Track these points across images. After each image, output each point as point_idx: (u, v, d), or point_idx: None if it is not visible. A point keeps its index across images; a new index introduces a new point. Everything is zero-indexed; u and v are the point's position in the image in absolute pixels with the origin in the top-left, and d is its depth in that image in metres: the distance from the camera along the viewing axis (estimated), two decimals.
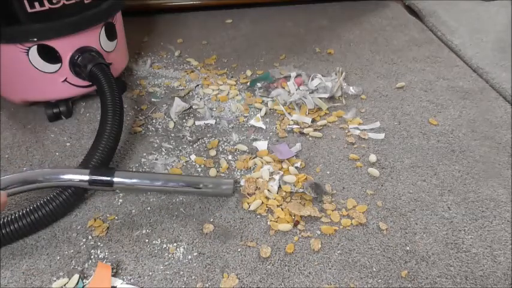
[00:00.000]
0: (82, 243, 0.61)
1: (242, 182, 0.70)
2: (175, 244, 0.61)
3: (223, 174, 0.73)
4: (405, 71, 1.02)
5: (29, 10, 0.68)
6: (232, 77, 0.99)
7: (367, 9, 1.32)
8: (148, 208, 0.67)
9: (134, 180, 0.62)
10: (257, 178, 0.71)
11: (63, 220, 0.64)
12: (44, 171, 0.60)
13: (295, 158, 0.76)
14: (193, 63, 1.03)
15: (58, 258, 0.59)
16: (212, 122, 0.84)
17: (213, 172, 0.73)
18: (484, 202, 0.68)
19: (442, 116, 0.87)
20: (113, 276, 0.56)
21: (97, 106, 0.87)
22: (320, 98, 0.89)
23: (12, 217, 0.58)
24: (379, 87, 0.96)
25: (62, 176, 0.59)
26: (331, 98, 0.91)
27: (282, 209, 0.66)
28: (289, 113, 0.86)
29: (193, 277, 0.57)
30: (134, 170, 0.73)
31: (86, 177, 0.60)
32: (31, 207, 0.59)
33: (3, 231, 0.57)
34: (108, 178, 0.60)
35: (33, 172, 0.59)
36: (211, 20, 1.25)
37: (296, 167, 0.73)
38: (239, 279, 0.57)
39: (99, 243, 0.61)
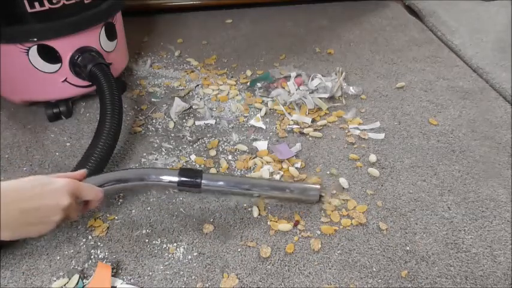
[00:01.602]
0: (82, 243, 0.61)
1: None
2: (175, 244, 0.61)
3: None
4: (405, 71, 1.02)
5: (29, 10, 0.68)
6: (232, 77, 0.99)
7: (367, 9, 1.32)
8: (148, 208, 0.67)
9: (220, 183, 0.62)
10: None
11: None
12: (138, 171, 0.62)
13: (295, 158, 0.76)
14: (193, 63, 1.03)
15: (58, 258, 0.59)
16: (212, 122, 0.84)
17: (213, 172, 0.73)
18: (484, 202, 0.68)
19: (442, 116, 0.87)
20: (113, 276, 0.56)
21: (97, 106, 0.87)
22: (320, 98, 0.89)
23: None
24: (379, 87, 0.96)
25: (153, 176, 0.59)
26: (331, 98, 0.91)
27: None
28: (289, 113, 0.86)
29: (193, 277, 0.57)
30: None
31: (176, 179, 0.59)
32: None
33: None
34: (197, 180, 0.60)
35: (127, 172, 0.62)
36: (211, 20, 1.25)
37: (296, 167, 0.73)
38: (239, 279, 0.57)
39: (99, 243, 0.61)
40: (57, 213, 0.46)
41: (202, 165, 0.74)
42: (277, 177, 0.71)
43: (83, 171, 0.54)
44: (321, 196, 0.67)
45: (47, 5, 0.70)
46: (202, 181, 0.60)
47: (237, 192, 0.64)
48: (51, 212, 0.45)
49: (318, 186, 0.66)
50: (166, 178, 0.59)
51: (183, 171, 0.60)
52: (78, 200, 0.49)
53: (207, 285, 0.56)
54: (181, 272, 0.58)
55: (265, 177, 0.71)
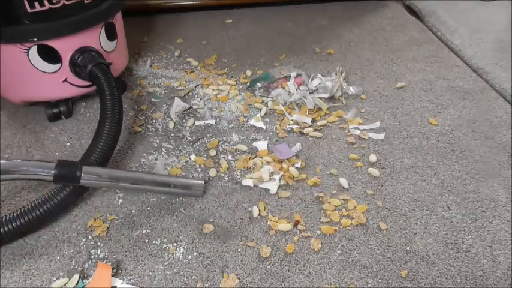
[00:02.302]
0: (82, 243, 0.61)
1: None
2: (175, 244, 0.61)
3: (223, 175, 0.73)
4: (405, 71, 1.02)
5: (29, 10, 0.68)
6: (232, 77, 0.99)
7: (367, 9, 1.32)
8: (148, 208, 0.67)
9: (101, 177, 0.60)
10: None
11: (63, 220, 0.64)
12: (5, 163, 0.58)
13: (295, 158, 0.76)
14: (193, 63, 1.03)
15: (58, 258, 0.59)
16: (212, 122, 0.85)
17: (213, 172, 0.73)
18: (484, 202, 0.68)
19: (442, 116, 0.87)
20: (113, 276, 0.56)
21: (97, 106, 0.87)
22: (320, 98, 0.89)
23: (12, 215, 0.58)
24: (379, 87, 0.96)
25: (24, 168, 0.56)
26: (331, 98, 0.91)
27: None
28: (289, 113, 0.86)
29: (193, 277, 0.57)
30: (134, 169, 0.73)
31: (51, 172, 0.57)
32: (29, 206, 0.59)
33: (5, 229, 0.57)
34: (76, 174, 0.58)
35: None
36: (211, 20, 1.25)
37: (296, 167, 0.73)
38: (239, 279, 0.57)
39: (99, 243, 0.61)
40: None
41: (202, 165, 0.74)
42: (277, 177, 0.71)
43: None
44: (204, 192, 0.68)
45: (47, 5, 0.70)
46: (82, 175, 0.58)
47: (119, 186, 0.62)
48: None
49: (201, 182, 0.67)
50: (39, 171, 0.57)
51: (60, 163, 0.57)
52: None
53: (207, 285, 0.56)
54: (181, 272, 0.58)
55: (153, 172, 0.71)
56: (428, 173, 0.74)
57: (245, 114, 0.87)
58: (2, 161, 0.56)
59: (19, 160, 0.58)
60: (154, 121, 0.85)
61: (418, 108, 0.89)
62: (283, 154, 0.75)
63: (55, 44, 0.74)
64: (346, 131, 0.83)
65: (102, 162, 0.66)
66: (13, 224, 0.58)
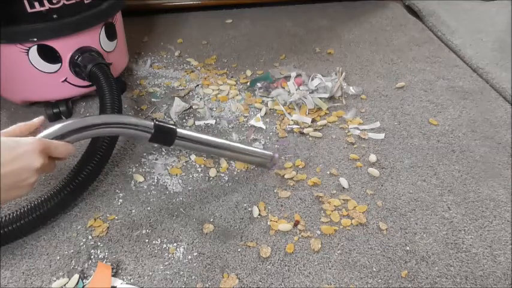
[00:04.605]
0: (82, 243, 0.61)
1: None
2: (175, 244, 0.61)
3: (223, 175, 0.73)
4: (405, 71, 1.02)
5: (29, 10, 0.68)
6: (232, 77, 0.99)
7: (367, 9, 1.32)
8: (148, 208, 0.67)
9: (193, 140, 0.62)
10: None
11: (63, 220, 0.64)
12: (100, 116, 0.60)
13: (295, 158, 0.76)
14: (193, 63, 1.03)
15: (58, 258, 0.59)
16: (212, 122, 0.84)
17: (213, 172, 0.73)
18: (484, 202, 0.68)
19: (442, 116, 0.87)
20: (113, 276, 0.56)
21: (97, 106, 0.87)
22: (320, 98, 0.89)
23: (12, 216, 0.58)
24: (379, 87, 0.96)
25: (123, 120, 0.55)
26: (331, 98, 0.91)
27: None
28: (289, 113, 0.86)
29: (193, 277, 0.57)
30: (134, 169, 0.73)
31: (151, 125, 0.57)
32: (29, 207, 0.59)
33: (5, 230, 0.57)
34: (173, 134, 0.59)
35: (92, 118, 0.56)
36: (211, 20, 1.25)
37: (296, 167, 0.73)
38: (239, 279, 0.57)
39: (99, 243, 0.61)
40: (31, 176, 0.45)
41: (202, 165, 0.74)
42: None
43: (41, 118, 0.52)
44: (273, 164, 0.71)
45: (47, 5, 0.70)
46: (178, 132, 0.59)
47: (203, 149, 0.65)
48: (25, 175, 0.44)
49: (270, 153, 0.70)
50: (140, 124, 0.56)
51: (158, 124, 0.58)
52: (49, 157, 0.48)
53: (207, 285, 0.56)
54: (181, 272, 0.58)
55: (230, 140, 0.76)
56: (428, 173, 0.74)
57: (245, 114, 0.87)
58: (102, 115, 0.57)
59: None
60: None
61: (418, 108, 0.89)
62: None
63: (55, 44, 0.74)
64: (346, 131, 0.83)
65: (102, 163, 0.66)
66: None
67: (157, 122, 0.57)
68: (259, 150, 0.71)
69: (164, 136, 0.59)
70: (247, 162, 0.73)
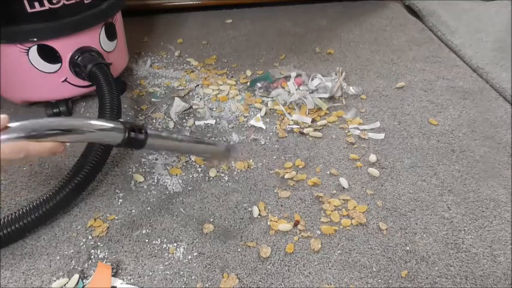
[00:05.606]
0: (82, 243, 0.61)
1: None
2: (175, 244, 0.61)
3: (223, 175, 0.73)
4: (405, 71, 1.02)
5: (29, 10, 0.68)
6: (232, 77, 0.99)
7: (367, 9, 1.32)
8: (148, 208, 0.67)
9: (165, 142, 0.55)
10: None
11: (63, 220, 0.64)
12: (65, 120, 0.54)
13: (295, 157, 0.76)
14: (193, 63, 1.03)
15: (58, 258, 0.59)
16: (212, 122, 0.84)
17: (213, 172, 0.73)
18: (484, 202, 0.68)
19: (442, 116, 0.87)
20: (113, 276, 0.56)
21: (97, 106, 0.87)
22: (320, 98, 0.89)
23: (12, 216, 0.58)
24: (379, 87, 0.96)
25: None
26: (331, 98, 0.91)
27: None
28: (289, 113, 0.86)
29: (193, 277, 0.57)
30: (134, 169, 0.73)
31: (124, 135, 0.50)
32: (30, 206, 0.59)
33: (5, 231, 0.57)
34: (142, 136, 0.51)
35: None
36: (211, 20, 1.25)
37: (296, 167, 0.73)
38: (239, 279, 0.57)
39: (99, 243, 0.61)
40: None
41: (202, 165, 0.74)
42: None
43: (5, 117, 0.47)
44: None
45: (47, 5, 0.70)
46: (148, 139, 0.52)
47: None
48: None
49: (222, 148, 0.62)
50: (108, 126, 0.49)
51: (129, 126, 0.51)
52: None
53: (207, 285, 0.56)
54: (181, 272, 0.58)
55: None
56: (428, 173, 0.74)
57: (245, 114, 0.87)
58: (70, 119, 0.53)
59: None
60: (154, 121, 0.85)
61: (418, 108, 0.89)
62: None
63: (55, 44, 0.74)
64: (346, 131, 0.83)
65: (101, 162, 0.66)
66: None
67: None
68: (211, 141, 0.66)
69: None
70: (202, 153, 0.64)
